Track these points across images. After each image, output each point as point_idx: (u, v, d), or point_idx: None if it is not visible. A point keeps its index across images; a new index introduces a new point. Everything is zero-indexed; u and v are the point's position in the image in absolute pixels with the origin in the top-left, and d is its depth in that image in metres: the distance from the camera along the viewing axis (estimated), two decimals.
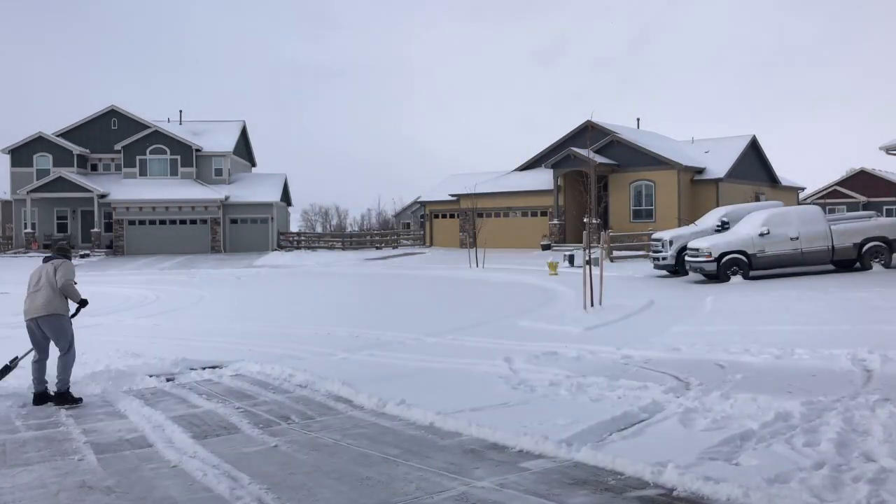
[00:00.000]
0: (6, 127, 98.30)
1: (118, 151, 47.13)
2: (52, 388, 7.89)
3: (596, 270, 14.68)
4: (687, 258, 19.25)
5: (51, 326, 7.91)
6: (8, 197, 49.31)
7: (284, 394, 7.92)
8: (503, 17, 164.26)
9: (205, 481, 5.02)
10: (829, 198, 57.68)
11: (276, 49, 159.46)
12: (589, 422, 5.91)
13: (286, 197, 51.55)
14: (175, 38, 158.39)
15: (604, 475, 4.82)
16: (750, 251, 18.16)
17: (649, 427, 5.83)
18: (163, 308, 17.93)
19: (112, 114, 48.52)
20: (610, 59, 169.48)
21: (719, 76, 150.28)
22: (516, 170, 42.70)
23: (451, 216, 43.65)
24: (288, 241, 47.74)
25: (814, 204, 29.52)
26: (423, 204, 46.99)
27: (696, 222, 23.68)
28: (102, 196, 44.36)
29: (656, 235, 22.44)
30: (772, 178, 41.80)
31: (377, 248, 45.71)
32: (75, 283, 8.08)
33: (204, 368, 9.39)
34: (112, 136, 47.77)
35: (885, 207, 52.26)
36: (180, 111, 53.06)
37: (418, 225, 60.96)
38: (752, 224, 18.83)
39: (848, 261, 18.62)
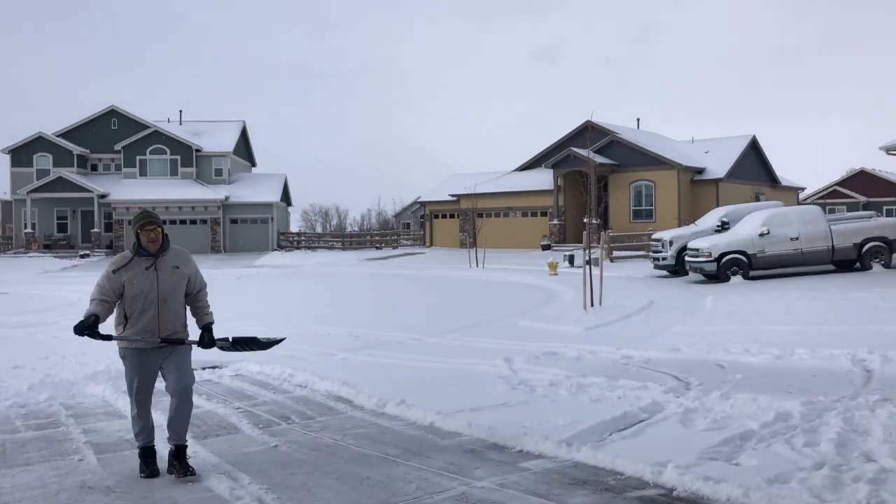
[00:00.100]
0: (6, 127, 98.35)
1: (118, 151, 47.13)
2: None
3: (596, 270, 14.68)
4: (687, 258, 19.25)
5: (179, 355, 5.60)
6: (8, 197, 49.32)
7: (284, 394, 7.92)
8: (503, 17, 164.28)
9: (205, 481, 5.02)
10: (829, 198, 57.67)
11: (276, 49, 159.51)
12: (589, 422, 5.91)
13: (286, 197, 51.55)
14: (175, 39, 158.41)
15: (604, 475, 4.82)
16: (750, 251, 18.15)
17: (649, 427, 5.83)
18: None
19: (112, 114, 48.53)
20: (610, 58, 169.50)
21: (719, 76, 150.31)
22: (516, 170, 42.70)
23: (451, 216, 43.65)
24: (288, 242, 47.74)
25: (814, 204, 29.52)
26: (423, 204, 46.98)
27: (696, 222, 23.68)
28: (102, 196, 44.36)
29: (656, 235, 22.44)
30: (772, 179, 41.80)
31: (377, 248, 45.70)
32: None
33: (204, 368, 9.39)
34: (112, 136, 47.78)
35: (885, 207, 52.24)
36: (180, 111, 53.12)
37: (418, 225, 60.94)
38: (752, 224, 18.83)
39: (848, 261, 18.62)
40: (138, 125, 47.89)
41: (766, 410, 6.02)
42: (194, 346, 5.57)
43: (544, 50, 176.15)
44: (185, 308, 5.56)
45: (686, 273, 19.84)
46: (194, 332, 5.55)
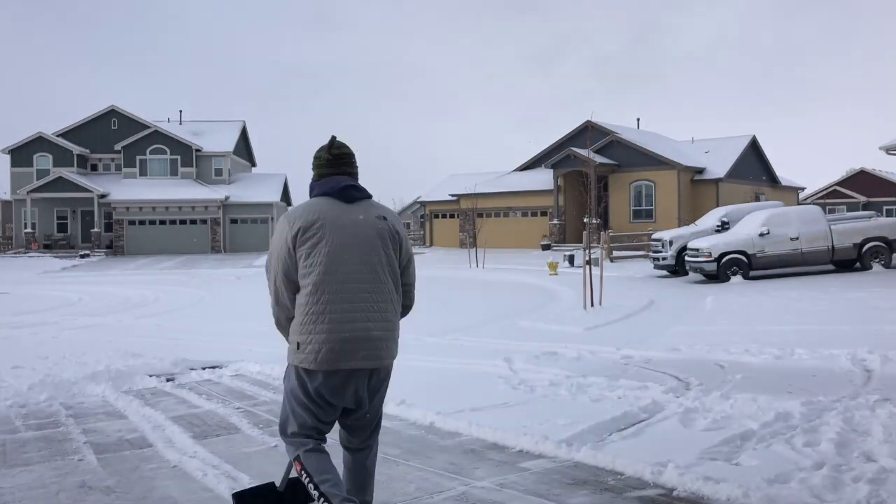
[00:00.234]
0: (6, 127, 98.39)
1: (118, 151, 47.14)
2: None
3: (596, 270, 14.69)
4: (687, 258, 19.25)
5: (384, 384, 3.57)
6: (8, 197, 49.34)
7: None
8: (503, 17, 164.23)
9: (205, 481, 5.01)
10: (829, 198, 57.68)
11: (276, 49, 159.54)
12: (589, 422, 5.91)
13: (286, 197, 51.56)
14: (175, 39, 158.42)
15: (604, 475, 4.82)
16: (750, 251, 18.16)
17: (649, 427, 5.83)
18: (163, 308, 17.92)
19: (112, 114, 48.54)
20: (610, 59, 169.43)
21: (719, 76, 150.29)
22: (516, 170, 42.71)
23: (451, 216, 43.65)
24: None
25: (814, 204, 29.51)
26: (423, 204, 46.99)
27: (696, 222, 23.68)
28: (102, 196, 44.36)
29: (656, 235, 22.45)
30: (772, 179, 41.81)
31: None
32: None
33: (204, 368, 9.39)
34: (112, 136, 47.79)
35: (885, 207, 52.27)
36: (180, 111, 53.15)
37: (418, 225, 60.91)
38: (752, 224, 18.84)
39: (848, 261, 18.63)
40: (138, 125, 47.89)
41: (766, 410, 6.01)
42: None
43: (545, 50, 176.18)
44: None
45: (686, 273, 19.84)
46: None
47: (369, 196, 3.46)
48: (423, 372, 8.61)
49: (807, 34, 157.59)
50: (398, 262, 3.44)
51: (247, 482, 4.94)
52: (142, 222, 45.11)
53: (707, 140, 40.78)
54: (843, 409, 5.96)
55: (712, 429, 5.66)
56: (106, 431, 6.54)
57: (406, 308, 3.65)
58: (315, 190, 3.41)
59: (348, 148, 3.49)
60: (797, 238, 18.31)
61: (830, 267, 19.02)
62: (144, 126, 47.60)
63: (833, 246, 18.36)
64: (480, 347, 10.18)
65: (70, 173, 44.81)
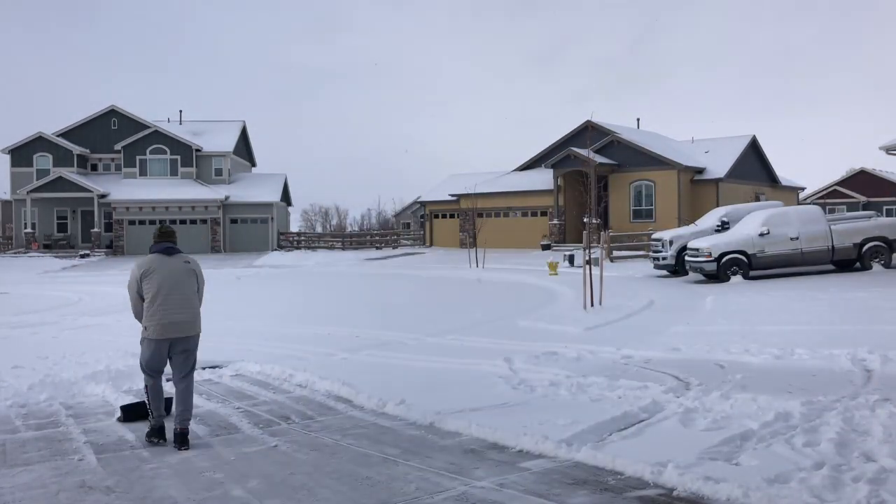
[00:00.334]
0: (6, 127, 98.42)
1: (118, 151, 47.14)
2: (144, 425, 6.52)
3: (596, 270, 14.69)
4: (687, 258, 19.25)
5: (193, 346, 6.39)
6: (8, 197, 49.34)
7: (284, 394, 7.92)
8: (504, 18, 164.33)
9: (205, 481, 5.02)
10: (829, 198, 57.69)
11: (276, 49, 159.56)
12: (589, 422, 5.91)
13: (286, 197, 51.56)
14: (175, 38, 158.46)
15: (604, 475, 4.82)
16: (750, 251, 18.16)
17: (649, 427, 5.83)
18: None
19: (112, 114, 48.54)
20: (610, 59, 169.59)
21: (720, 76, 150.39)
22: (516, 170, 42.72)
23: (451, 216, 43.66)
24: (288, 241, 47.75)
25: (814, 204, 29.53)
26: (423, 204, 47.00)
27: (696, 222, 23.68)
28: (102, 196, 44.36)
29: (656, 235, 22.45)
30: (772, 178, 41.81)
31: (377, 248, 45.70)
32: None
33: (204, 368, 9.38)
34: (112, 136, 47.79)
35: (885, 207, 52.27)
36: (180, 111, 53.13)
37: (418, 225, 60.97)
38: (752, 224, 18.84)
39: (848, 261, 18.63)
40: (138, 125, 47.90)
41: (766, 410, 6.02)
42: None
43: (545, 50, 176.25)
44: None
45: (686, 273, 19.85)
46: None
47: (180, 251, 6.41)
48: (423, 372, 8.62)
49: (807, 34, 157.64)
50: (196, 283, 6.42)
51: (247, 482, 4.94)
52: (142, 222, 45.11)
53: (707, 140, 40.79)
54: (843, 409, 5.96)
55: (712, 429, 5.66)
56: (106, 431, 6.54)
57: (200, 303, 6.54)
58: (152, 248, 6.37)
59: (170, 228, 6.52)
60: (797, 238, 18.31)
61: (830, 267, 19.03)
62: (144, 126, 47.61)
63: (833, 246, 18.37)
64: (480, 347, 10.18)
65: (70, 173, 44.82)
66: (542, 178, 38.70)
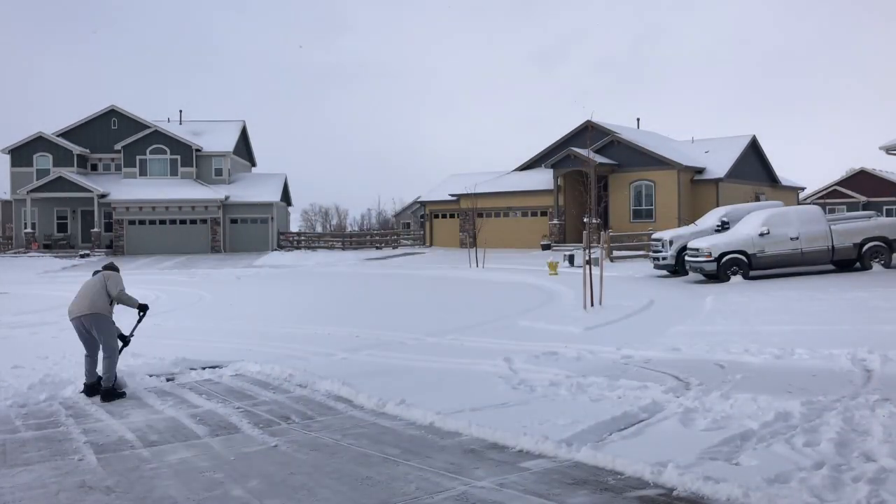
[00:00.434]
0: (6, 127, 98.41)
1: (118, 151, 47.14)
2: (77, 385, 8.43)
3: (596, 270, 14.68)
4: (687, 258, 19.25)
5: (96, 324, 8.31)
6: (8, 197, 49.34)
7: (284, 394, 7.92)
8: (504, 18, 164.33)
9: (205, 481, 5.02)
10: (829, 198, 57.69)
11: (276, 50, 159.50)
12: (589, 422, 5.91)
13: (286, 197, 51.57)
14: (175, 38, 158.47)
15: (604, 475, 4.82)
16: (750, 251, 18.16)
17: (649, 427, 5.83)
18: (163, 308, 17.92)
19: (112, 114, 48.54)
20: (611, 59, 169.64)
21: (720, 76, 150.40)
22: (516, 170, 42.72)
23: (451, 216, 43.66)
24: (288, 241, 47.75)
25: (814, 204, 29.52)
26: (423, 204, 47.00)
27: (696, 222, 23.68)
28: (102, 196, 44.37)
29: (656, 235, 22.45)
30: (772, 178, 41.81)
31: (377, 248, 45.71)
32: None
33: (204, 368, 9.39)
34: (112, 136, 47.79)
35: (885, 207, 52.27)
36: (180, 111, 53.14)
37: (418, 225, 60.97)
38: (752, 224, 18.84)
39: (848, 261, 18.63)
40: (138, 125, 47.90)
41: (766, 410, 6.02)
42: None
43: (545, 50, 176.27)
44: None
45: (686, 273, 19.85)
46: None
47: (100, 271, 8.72)
48: (423, 372, 8.62)
49: (807, 34, 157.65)
50: (105, 287, 8.50)
51: (247, 482, 4.95)
52: (142, 222, 45.11)
53: (707, 140, 40.79)
54: (843, 409, 5.96)
55: (712, 429, 5.66)
56: (106, 431, 6.55)
57: (123, 302, 8.65)
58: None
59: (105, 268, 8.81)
60: (797, 238, 18.31)
61: (830, 267, 19.02)
62: (144, 126, 47.60)
63: (833, 246, 18.36)
64: (480, 347, 10.18)
65: (70, 173, 44.81)
66: (542, 178, 38.70)
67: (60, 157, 46.13)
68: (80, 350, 10.66)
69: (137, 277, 29.54)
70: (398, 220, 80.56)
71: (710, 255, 18.09)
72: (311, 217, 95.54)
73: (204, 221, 45.53)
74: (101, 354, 8.26)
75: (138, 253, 43.74)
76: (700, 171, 36.78)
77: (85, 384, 8.23)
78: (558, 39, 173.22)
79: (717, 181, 35.97)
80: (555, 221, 37.53)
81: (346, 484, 4.86)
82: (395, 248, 45.31)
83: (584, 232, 15.93)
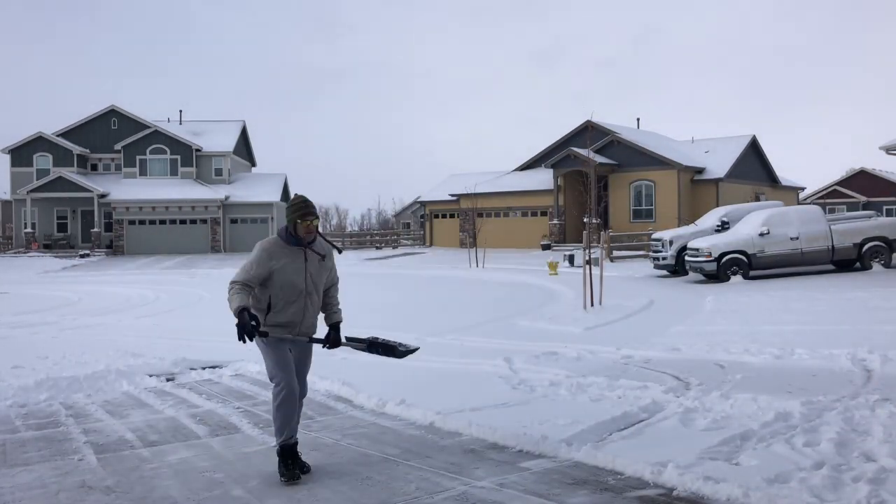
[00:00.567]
0: (6, 127, 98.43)
1: (118, 151, 47.15)
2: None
3: (596, 270, 14.68)
4: (687, 258, 19.25)
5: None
6: (8, 197, 49.35)
7: None
8: (504, 18, 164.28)
9: (205, 481, 5.02)
10: (829, 198, 57.68)
11: (276, 50, 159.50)
12: (589, 422, 5.91)
13: (286, 197, 51.55)
14: (176, 38, 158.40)
15: (604, 475, 4.82)
16: (750, 251, 18.15)
17: (649, 427, 5.83)
18: (163, 308, 17.93)
19: (112, 114, 48.54)
20: (611, 59, 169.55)
21: (720, 76, 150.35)
22: (516, 170, 42.72)
23: (451, 216, 43.66)
24: None
25: (814, 204, 29.51)
26: (423, 204, 47.00)
27: (696, 222, 23.68)
28: (102, 196, 44.37)
29: (656, 235, 22.44)
30: (772, 178, 41.81)
31: (377, 247, 45.71)
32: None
33: (204, 368, 9.39)
34: (112, 135, 47.80)
35: (885, 207, 52.27)
36: (180, 111, 53.16)
37: (418, 225, 60.93)
38: (751, 224, 18.83)
39: (848, 261, 18.62)
40: (138, 125, 47.90)
41: (766, 410, 6.01)
42: (319, 345, 5.39)
43: (545, 50, 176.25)
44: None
45: (686, 273, 19.84)
46: (320, 330, 5.38)
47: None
48: (423, 372, 8.62)
49: (807, 34, 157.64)
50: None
51: (247, 482, 4.94)
52: (142, 222, 45.12)
53: (707, 140, 40.78)
54: (843, 409, 5.96)
55: (712, 429, 5.66)
56: (106, 431, 6.54)
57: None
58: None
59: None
60: (797, 238, 18.31)
61: (830, 267, 19.02)
62: (144, 126, 47.60)
63: (833, 246, 18.36)
64: (480, 347, 10.18)
65: (70, 173, 44.81)
66: (542, 178, 38.70)
67: (60, 157, 46.13)
68: (79, 350, 10.70)
69: (137, 277, 29.54)
70: (398, 220, 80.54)
71: (710, 255, 18.09)
72: None
73: (204, 221, 45.53)
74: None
75: (138, 253, 43.74)
76: (700, 171, 36.77)
77: (284, 445, 4.99)
78: (558, 39, 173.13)
79: (717, 181, 35.97)
80: (555, 221, 37.52)
81: (345, 484, 4.86)
82: (395, 247, 45.30)
83: (584, 232, 15.93)
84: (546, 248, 34.42)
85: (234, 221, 46.26)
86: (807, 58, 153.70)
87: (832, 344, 8.89)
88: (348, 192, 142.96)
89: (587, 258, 14.41)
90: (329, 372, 8.55)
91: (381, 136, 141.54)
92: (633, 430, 5.77)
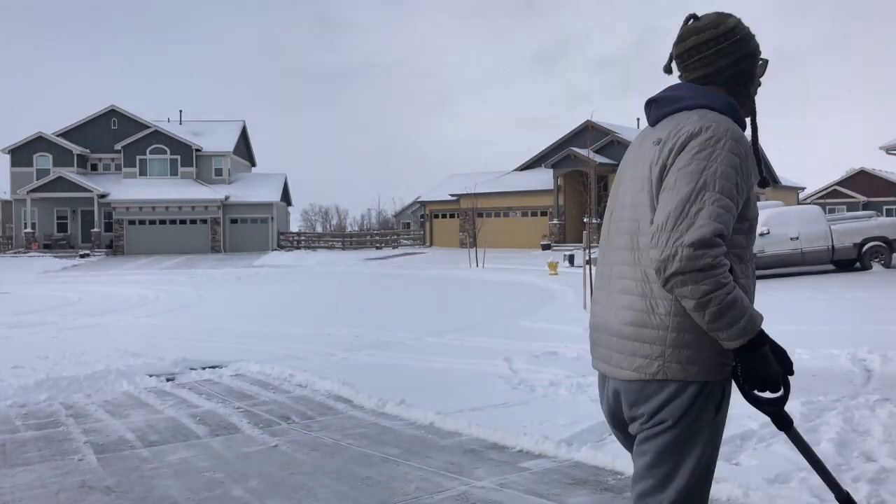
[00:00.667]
0: (6, 127, 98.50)
1: (118, 151, 47.16)
2: None
3: None
4: None
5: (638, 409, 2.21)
6: (8, 197, 49.35)
7: (284, 394, 7.92)
8: (505, 18, 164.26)
9: (205, 481, 5.02)
10: (829, 198, 57.69)
11: (276, 50, 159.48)
12: (589, 422, 5.91)
13: (286, 197, 51.58)
14: (176, 38, 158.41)
15: (604, 475, 4.82)
16: None
17: None
18: (163, 308, 17.93)
19: (112, 114, 48.55)
20: (611, 59, 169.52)
21: None
22: (516, 170, 42.74)
23: (451, 216, 43.67)
24: (288, 241, 47.78)
25: (814, 204, 29.50)
26: (423, 204, 47.02)
27: None
28: (102, 196, 44.38)
29: None
30: (772, 178, 41.81)
31: (377, 248, 45.72)
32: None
33: (204, 368, 9.39)
34: (112, 135, 47.81)
35: (885, 207, 52.27)
36: (180, 111, 53.18)
37: (418, 225, 60.95)
38: None
39: (848, 261, 18.62)
40: (138, 125, 47.91)
41: None
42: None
43: (545, 50, 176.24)
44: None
45: None
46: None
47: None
48: (423, 372, 8.62)
49: (807, 34, 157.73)
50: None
51: (247, 482, 4.94)
52: (142, 222, 45.12)
53: None
54: (843, 409, 5.95)
55: None
56: (106, 431, 6.54)
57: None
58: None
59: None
60: (797, 238, 18.31)
61: (830, 267, 19.03)
62: (144, 126, 47.60)
63: (833, 246, 18.36)
64: (480, 347, 10.18)
65: (70, 173, 44.81)
66: (542, 178, 38.72)
67: (60, 157, 46.15)
68: (79, 350, 10.70)
69: (137, 277, 29.55)
70: (398, 220, 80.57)
71: None
72: (311, 217, 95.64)
73: (204, 221, 45.55)
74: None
75: (138, 253, 43.74)
76: None
77: None
78: (558, 39, 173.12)
79: None
80: (555, 221, 37.53)
81: (345, 484, 4.86)
82: (395, 248, 45.32)
83: (584, 232, 15.93)
84: (546, 248, 34.43)
85: (234, 221, 46.26)
86: (807, 58, 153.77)
87: (832, 344, 8.89)
88: (348, 192, 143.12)
89: (587, 258, 14.41)
90: (329, 372, 8.55)
91: (381, 136, 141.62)
92: None
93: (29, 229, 44.88)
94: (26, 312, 17.13)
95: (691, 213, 1.94)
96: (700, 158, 1.99)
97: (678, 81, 2.35)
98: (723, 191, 1.97)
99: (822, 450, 4.99)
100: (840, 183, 60.45)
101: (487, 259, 28.04)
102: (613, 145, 36.54)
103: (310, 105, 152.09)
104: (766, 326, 2.25)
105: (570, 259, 25.98)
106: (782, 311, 12.52)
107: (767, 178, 2.40)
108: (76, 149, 46.32)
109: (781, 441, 5.23)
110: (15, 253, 43.53)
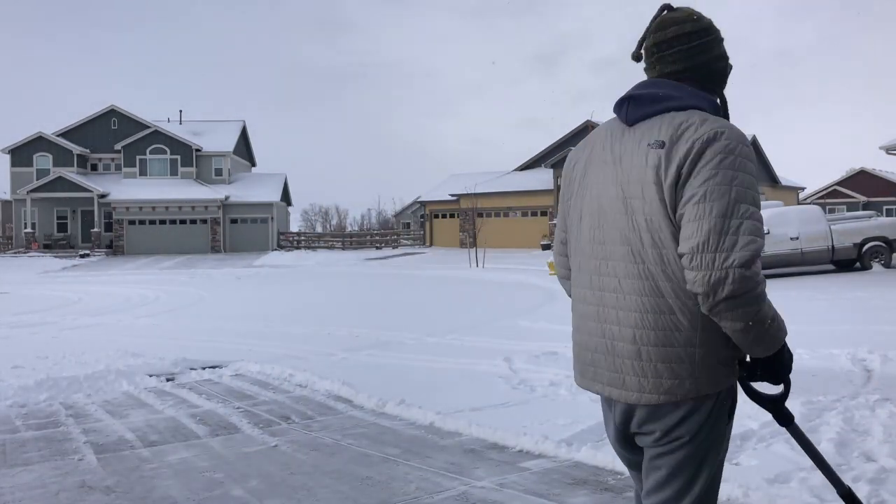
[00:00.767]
0: (6, 127, 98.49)
1: (118, 151, 47.16)
2: None
3: None
4: None
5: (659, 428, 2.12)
6: (8, 197, 49.36)
7: (284, 394, 7.92)
8: (505, 18, 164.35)
9: (205, 481, 5.02)
10: (829, 198, 57.69)
11: (276, 50, 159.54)
12: (589, 421, 5.91)
13: (286, 197, 51.60)
14: (176, 38, 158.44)
15: (604, 475, 4.82)
16: None
17: None
18: (163, 308, 17.93)
19: (112, 114, 48.56)
20: (611, 59, 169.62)
21: None
22: (516, 170, 42.75)
23: (451, 216, 43.67)
24: (288, 241, 47.78)
25: (814, 204, 29.51)
26: (423, 204, 47.02)
27: None
28: (102, 196, 44.38)
29: None
30: (772, 178, 41.80)
31: (377, 248, 45.72)
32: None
33: (204, 368, 9.39)
34: (112, 135, 47.81)
35: (885, 207, 52.28)
36: (180, 111, 53.19)
37: (418, 225, 60.96)
38: None
39: (848, 261, 18.63)
40: (138, 125, 47.91)
41: (766, 410, 6.00)
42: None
43: (545, 50, 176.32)
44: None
45: None
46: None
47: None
48: (423, 372, 8.62)
49: (806, 34, 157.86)
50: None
51: (247, 482, 4.94)
52: (142, 222, 45.12)
53: None
54: (843, 409, 5.95)
55: None
56: (106, 431, 6.54)
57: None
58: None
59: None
60: (797, 238, 18.31)
61: (830, 267, 19.03)
62: (144, 126, 47.61)
63: (833, 246, 18.36)
64: (480, 347, 10.18)
65: (70, 173, 44.82)
66: (542, 178, 38.73)
67: (60, 157, 46.16)
68: (79, 350, 10.70)
69: (137, 277, 29.55)
70: (398, 220, 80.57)
71: None
72: (311, 217, 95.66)
73: (204, 221, 45.55)
74: None
75: (138, 253, 43.75)
76: None
77: None
78: (558, 39, 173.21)
79: None
80: (555, 221, 37.56)
81: (345, 484, 4.86)
82: (395, 248, 45.32)
83: None
84: (546, 248, 34.43)
85: (234, 221, 46.26)
86: (807, 58, 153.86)
87: (832, 344, 8.88)
88: (348, 192, 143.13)
89: None
90: (329, 372, 8.55)
91: (381, 136, 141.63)
92: None
93: (29, 229, 44.89)
94: (26, 312, 17.13)
95: (731, 229, 1.87)
96: (725, 167, 1.90)
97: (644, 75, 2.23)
98: (753, 201, 1.92)
99: (823, 450, 4.99)
100: (840, 183, 60.46)
101: (487, 259, 28.04)
102: None
103: (310, 105, 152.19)
104: None
105: None
106: (782, 311, 12.44)
107: None
108: (76, 149, 46.33)
109: (781, 441, 5.23)
110: (15, 253, 43.53)
